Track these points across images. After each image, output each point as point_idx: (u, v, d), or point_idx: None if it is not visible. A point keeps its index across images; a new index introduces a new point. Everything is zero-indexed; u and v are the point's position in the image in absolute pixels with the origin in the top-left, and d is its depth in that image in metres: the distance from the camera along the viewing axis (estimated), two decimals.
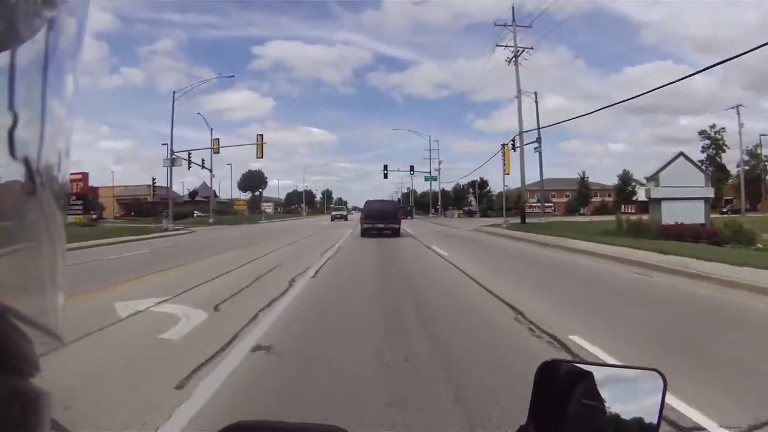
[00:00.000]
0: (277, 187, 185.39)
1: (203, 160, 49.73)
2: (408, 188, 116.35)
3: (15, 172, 0.42)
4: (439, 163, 73.71)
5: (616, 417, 0.77)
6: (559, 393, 0.79)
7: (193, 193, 78.68)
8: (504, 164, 33.98)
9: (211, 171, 51.45)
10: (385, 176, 57.99)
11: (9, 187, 0.42)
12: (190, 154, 46.09)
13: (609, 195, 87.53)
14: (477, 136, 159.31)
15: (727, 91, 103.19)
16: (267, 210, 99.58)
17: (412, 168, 65.32)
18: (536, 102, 33.55)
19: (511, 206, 77.43)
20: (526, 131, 32.82)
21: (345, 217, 60.86)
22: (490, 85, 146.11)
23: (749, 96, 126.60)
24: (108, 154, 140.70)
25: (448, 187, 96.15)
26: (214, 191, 63.48)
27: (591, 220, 38.14)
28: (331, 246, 18.64)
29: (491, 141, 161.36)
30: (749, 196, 64.65)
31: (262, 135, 42.80)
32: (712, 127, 69.74)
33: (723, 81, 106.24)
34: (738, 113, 60.40)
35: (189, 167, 46.91)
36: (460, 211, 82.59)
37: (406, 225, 29.73)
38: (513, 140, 34.40)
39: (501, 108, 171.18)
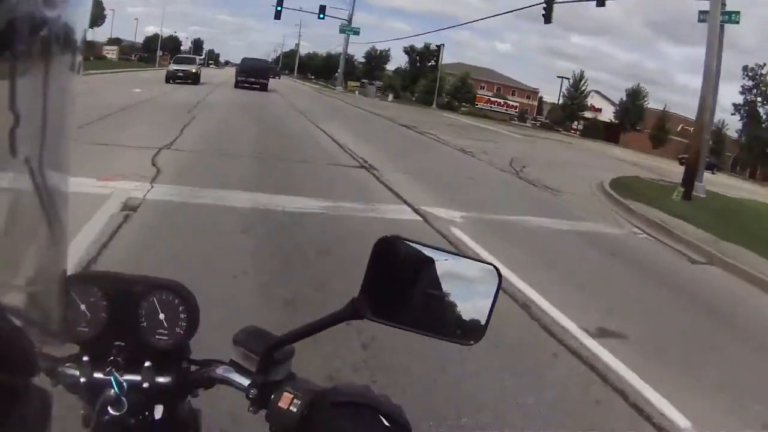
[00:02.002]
0: (135, 28, 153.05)
1: None
2: (295, 44, 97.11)
3: (15, 172, 0.42)
4: (352, 11, 53.23)
5: (453, 308, 0.78)
6: (397, 273, 0.78)
7: None
8: None
9: None
10: (277, 16, 41.20)
11: (9, 187, 0.43)
12: None
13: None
14: None
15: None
16: (108, 55, 75.22)
17: (322, 9, 44.43)
18: None
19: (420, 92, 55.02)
20: None
21: (195, 78, 31.59)
22: None
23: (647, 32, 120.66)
24: None
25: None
26: None
27: None
28: None
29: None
30: None
31: None
32: (763, 66, 48.31)
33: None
34: None
35: None
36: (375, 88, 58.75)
37: None
38: None
39: None
